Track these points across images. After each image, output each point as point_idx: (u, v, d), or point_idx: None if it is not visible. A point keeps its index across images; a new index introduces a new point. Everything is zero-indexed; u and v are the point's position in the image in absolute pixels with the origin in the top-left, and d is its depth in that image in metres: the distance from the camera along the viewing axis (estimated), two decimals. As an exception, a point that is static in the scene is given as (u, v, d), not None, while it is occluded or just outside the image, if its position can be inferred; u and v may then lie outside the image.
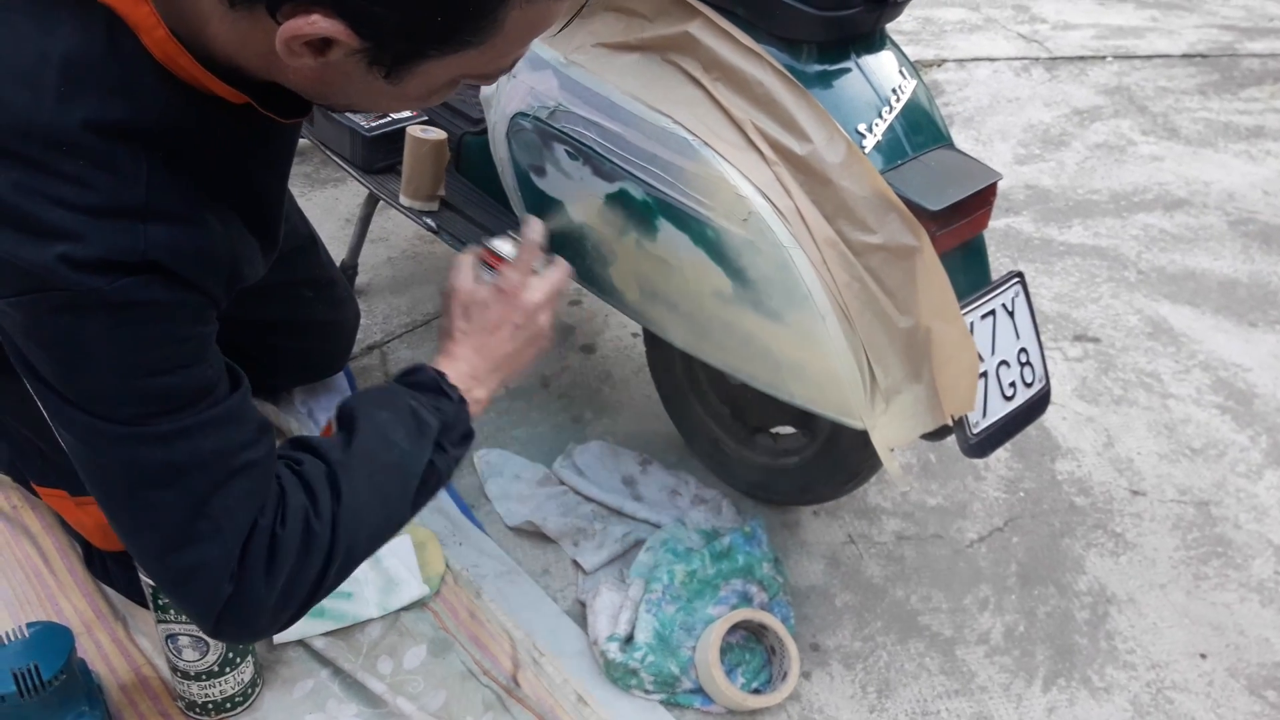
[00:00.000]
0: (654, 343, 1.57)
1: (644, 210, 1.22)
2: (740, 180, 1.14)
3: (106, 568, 1.33)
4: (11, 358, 0.84)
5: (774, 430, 1.51)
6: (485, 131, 1.58)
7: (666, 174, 1.18)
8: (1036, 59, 3.27)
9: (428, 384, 1.01)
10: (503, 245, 1.13)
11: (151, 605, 1.13)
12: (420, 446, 0.95)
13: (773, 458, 1.49)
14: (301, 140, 2.09)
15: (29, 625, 1.12)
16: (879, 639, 1.38)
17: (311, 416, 1.64)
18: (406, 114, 1.74)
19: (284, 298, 1.45)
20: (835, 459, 1.38)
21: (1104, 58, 3.30)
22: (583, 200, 1.31)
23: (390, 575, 1.35)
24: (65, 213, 0.74)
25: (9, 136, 0.73)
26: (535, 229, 1.14)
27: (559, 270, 1.13)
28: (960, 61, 3.22)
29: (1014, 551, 1.52)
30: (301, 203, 2.12)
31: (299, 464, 0.92)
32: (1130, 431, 1.76)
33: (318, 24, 0.69)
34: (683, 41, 1.17)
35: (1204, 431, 1.77)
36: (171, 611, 1.12)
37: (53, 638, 1.12)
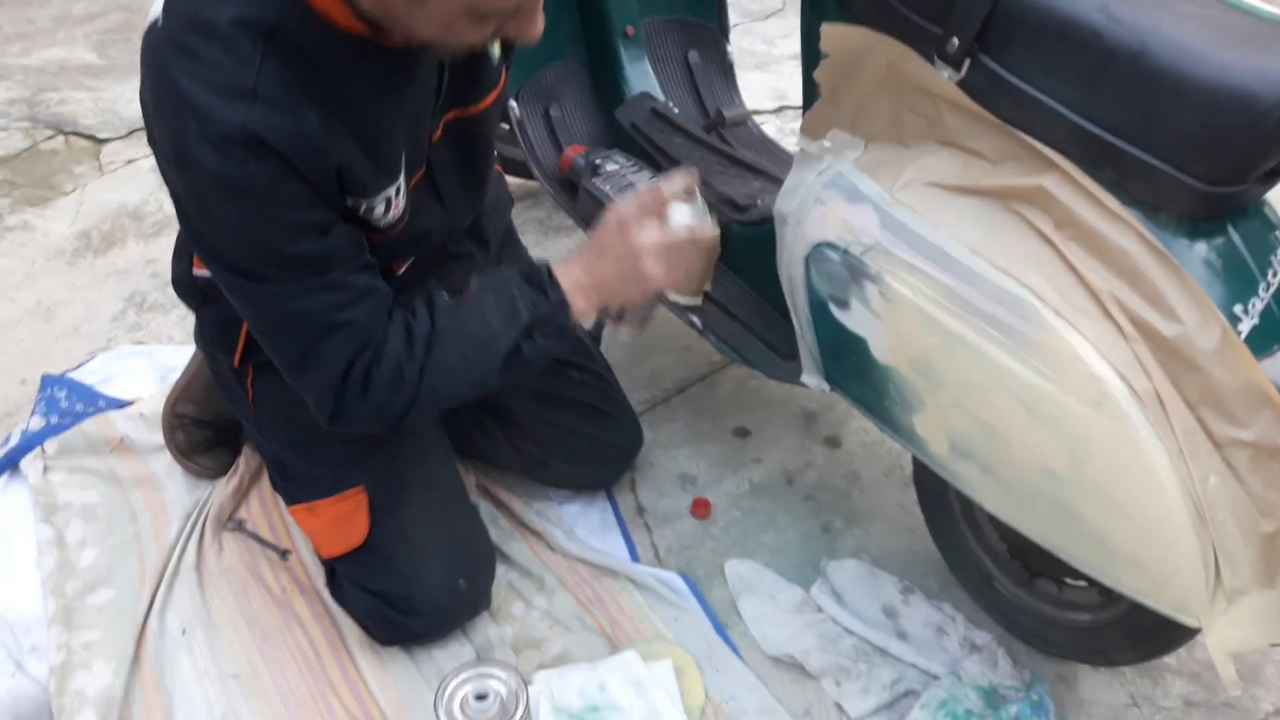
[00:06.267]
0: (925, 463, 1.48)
1: (969, 371, 1.13)
2: (1095, 358, 1.03)
3: (342, 588, 1.38)
4: (178, 212, 1.09)
5: (1061, 578, 1.40)
6: (756, 224, 1.51)
7: (1006, 338, 1.08)
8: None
9: (535, 280, 1.19)
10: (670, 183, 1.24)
11: None
12: (509, 330, 1.17)
13: (1057, 608, 1.38)
14: (534, 184, 2.06)
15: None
16: (1173, 832, 1.27)
17: (558, 525, 1.62)
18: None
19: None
20: (1137, 629, 1.27)
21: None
22: (892, 345, 1.22)
23: (654, 705, 1.31)
24: (203, 92, 0.95)
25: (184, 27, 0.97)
26: (682, 180, 1.24)
27: (694, 229, 1.23)
28: None
29: (1318, 734, 1.38)
30: (535, 250, 2.08)
31: (414, 316, 1.16)
32: None
33: None
34: (1035, 195, 1.07)
35: None
36: None
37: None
